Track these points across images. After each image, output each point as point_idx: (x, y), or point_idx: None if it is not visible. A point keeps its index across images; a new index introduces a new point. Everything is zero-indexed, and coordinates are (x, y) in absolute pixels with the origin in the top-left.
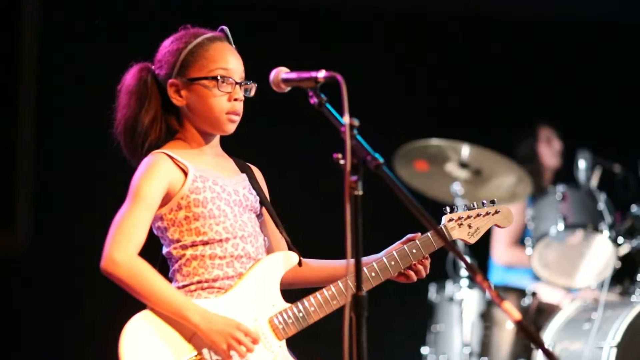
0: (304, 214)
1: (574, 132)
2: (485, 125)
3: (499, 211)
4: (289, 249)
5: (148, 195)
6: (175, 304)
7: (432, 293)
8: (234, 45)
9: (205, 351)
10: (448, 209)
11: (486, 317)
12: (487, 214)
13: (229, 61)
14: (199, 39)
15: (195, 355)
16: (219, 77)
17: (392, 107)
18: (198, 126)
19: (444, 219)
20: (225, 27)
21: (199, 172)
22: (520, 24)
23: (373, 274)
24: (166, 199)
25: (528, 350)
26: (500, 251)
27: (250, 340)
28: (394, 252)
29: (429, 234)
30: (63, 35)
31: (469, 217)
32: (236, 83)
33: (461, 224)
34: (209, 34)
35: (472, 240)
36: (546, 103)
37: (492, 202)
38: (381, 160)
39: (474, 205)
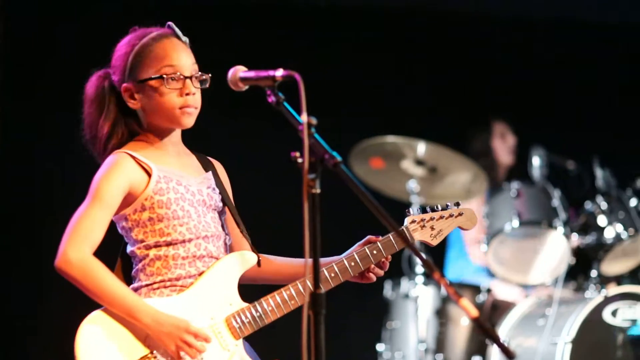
0: (265, 212)
1: (529, 129)
2: (440, 123)
3: (462, 213)
4: (250, 247)
5: (107, 195)
6: (127, 305)
7: (388, 290)
8: (184, 39)
9: (161, 349)
10: (411, 210)
11: (441, 314)
12: (451, 216)
13: (175, 57)
14: (144, 40)
15: (149, 355)
16: (164, 76)
17: (348, 104)
18: (157, 124)
19: (407, 220)
20: (171, 23)
21: (163, 172)
22: (478, 19)
23: (332, 275)
24: (129, 199)
25: (483, 346)
26: (477, 251)
27: (200, 341)
28: (354, 254)
29: (390, 235)
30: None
31: (431, 218)
32: (185, 77)
33: (423, 226)
34: (154, 33)
35: (435, 242)
36: (501, 99)
37: (457, 204)
38: (339, 158)
39: (437, 207)
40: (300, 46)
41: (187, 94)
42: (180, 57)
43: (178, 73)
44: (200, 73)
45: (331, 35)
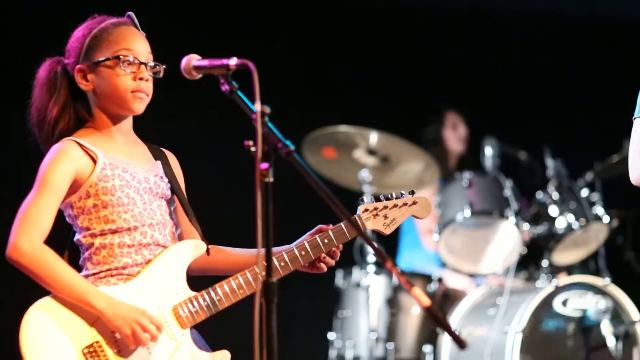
0: (216, 201)
1: (481, 119)
2: (393, 112)
3: (416, 202)
4: (200, 237)
5: (54, 182)
6: (80, 291)
7: (339, 279)
8: (142, 32)
9: (108, 337)
10: (365, 198)
11: (392, 303)
12: (405, 204)
13: (132, 42)
14: (103, 24)
15: (97, 342)
16: (121, 56)
17: (301, 94)
18: (107, 109)
19: (359, 209)
20: (131, 13)
21: (109, 159)
22: (433, 13)
23: (282, 264)
24: (75, 187)
25: (434, 335)
26: (429, 238)
27: (154, 327)
28: (305, 242)
29: (342, 224)
30: None
31: (385, 207)
32: (141, 63)
33: (377, 215)
34: (115, 20)
35: (388, 231)
36: (454, 90)
37: (411, 192)
38: (292, 147)
39: (391, 196)
40: (255, 35)
41: (141, 79)
42: (138, 43)
43: (133, 57)
44: (154, 63)
45: (285, 24)
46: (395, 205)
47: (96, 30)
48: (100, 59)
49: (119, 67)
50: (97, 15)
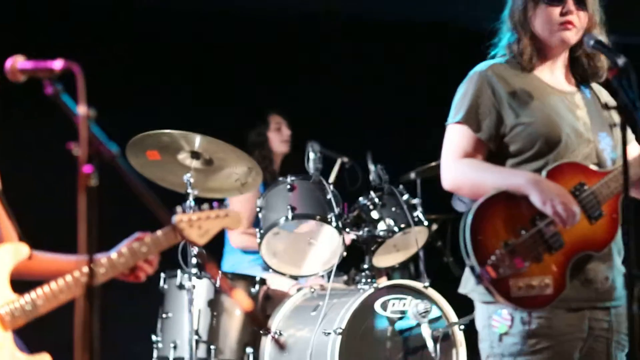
0: (40, 205)
1: (305, 123)
2: (217, 115)
3: (228, 215)
4: (20, 240)
5: None
6: None
7: (162, 281)
8: None
9: None
10: (179, 209)
11: (215, 305)
12: (217, 216)
13: None
14: None
15: None
16: None
17: (126, 96)
18: None
19: (175, 218)
20: None
21: None
22: (262, 19)
23: (102, 271)
24: None
25: (256, 337)
26: (235, 235)
27: None
28: (123, 250)
29: (159, 232)
30: None
31: (199, 218)
32: None
33: (191, 225)
34: None
35: (202, 242)
36: (279, 94)
37: (223, 204)
38: (116, 151)
39: (205, 207)
40: (81, 38)
41: None
42: None
43: None
44: None
45: (114, 27)
46: (208, 217)
47: None
48: None
49: None
50: None
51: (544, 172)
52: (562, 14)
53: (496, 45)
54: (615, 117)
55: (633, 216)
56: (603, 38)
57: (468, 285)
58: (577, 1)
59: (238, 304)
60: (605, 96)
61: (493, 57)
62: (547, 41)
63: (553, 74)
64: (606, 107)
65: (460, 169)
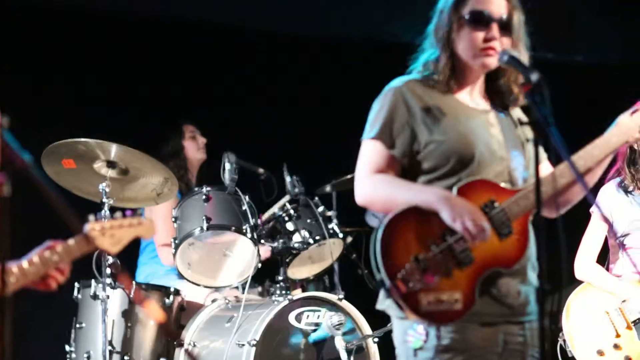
0: None
1: (221, 134)
2: (134, 125)
3: (141, 223)
4: None
5: None
6: None
7: (77, 290)
8: None
9: None
10: (92, 217)
11: (129, 316)
12: (130, 225)
13: None
14: None
15: None
16: None
17: (41, 105)
18: None
19: (88, 227)
20: None
21: None
22: (180, 29)
23: (12, 280)
24: None
25: (170, 348)
26: (165, 253)
27: None
28: (34, 258)
29: (71, 241)
30: None
31: (112, 227)
32: None
33: (104, 233)
34: None
35: (114, 250)
36: (194, 104)
37: (136, 213)
38: (29, 160)
39: (118, 216)
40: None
41: None
42: None
43: None
44: None
45: (24, 32)
46: (121, 225)
47: None
48: None
49: None
50: None
51: (454, 189)
52: (485, 40)
53: (417, 59)
54: (529, 133)
55: (544, 233)
56: (519, 55)
57: (386, 301)
58: (502, 27)
59: (150, 315)
60: (519, 113)
61: (410, 72)
62: (467, 63)
63: (468, 93)
64: (520, 122)
65: (372, 185)
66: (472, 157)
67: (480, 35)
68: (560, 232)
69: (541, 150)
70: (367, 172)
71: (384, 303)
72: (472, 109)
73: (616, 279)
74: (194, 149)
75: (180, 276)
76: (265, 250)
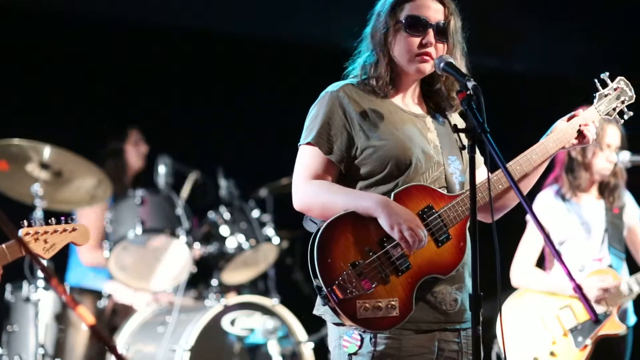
0: None
1: (156, 137)
2: (68, 127)
3: (76, 229)
4: None
5: None
6: None
7: (8, 293)
8: None
9: None
10: (25, 222)
11: (61, 319)
12: (65, 230)
13: None
14: None
15: None
16: None
17: None
18: None
19: (21, 232)
20: None
21: None
22: (117, 30)
23: None
24: None
25: (103, 352)
26: (85, 252)
27: None
28: None
29: (3, 246)
30: None
31: (46, 232)
32: None
33: (37, 239)
34: None
35: (47, 255)
36: (131, 107)
37: (71, 219)
38: None
39: (52, 222)
40: None
41: None
42: None
43: None
44: None
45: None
46: (55, 231)
47: None
48: None
49: None
50: None
51: (392, 195)
52: (421, 45)
53: (354, 62)
54: (465, 140)
55: (479, 239)
56: (455, 61)
57: (322, 307)
58: (439, 33)
59: (81, 318)
60: (456, 119)
61: (347, 76)
62: (403, 68)
63: (405, 98)
64: (455, 129)
65: (310, 190)
66: (409, 162)
67: (416, 40)
68: (494, 239)
69: (478, 155)
70: (304, 178)
71: (319, 309)
72: (409, 113)
73: (556, 277)
74: (135, 155)
75: (112, 278)
76: (196, 254)
